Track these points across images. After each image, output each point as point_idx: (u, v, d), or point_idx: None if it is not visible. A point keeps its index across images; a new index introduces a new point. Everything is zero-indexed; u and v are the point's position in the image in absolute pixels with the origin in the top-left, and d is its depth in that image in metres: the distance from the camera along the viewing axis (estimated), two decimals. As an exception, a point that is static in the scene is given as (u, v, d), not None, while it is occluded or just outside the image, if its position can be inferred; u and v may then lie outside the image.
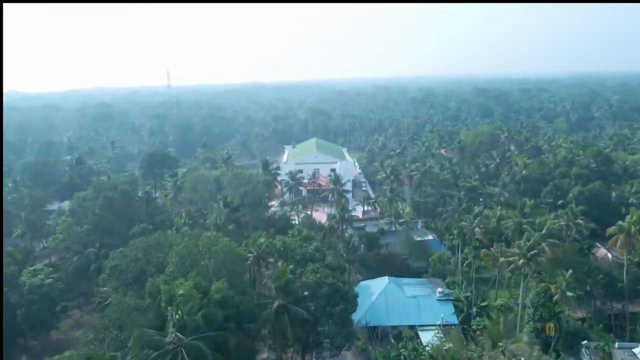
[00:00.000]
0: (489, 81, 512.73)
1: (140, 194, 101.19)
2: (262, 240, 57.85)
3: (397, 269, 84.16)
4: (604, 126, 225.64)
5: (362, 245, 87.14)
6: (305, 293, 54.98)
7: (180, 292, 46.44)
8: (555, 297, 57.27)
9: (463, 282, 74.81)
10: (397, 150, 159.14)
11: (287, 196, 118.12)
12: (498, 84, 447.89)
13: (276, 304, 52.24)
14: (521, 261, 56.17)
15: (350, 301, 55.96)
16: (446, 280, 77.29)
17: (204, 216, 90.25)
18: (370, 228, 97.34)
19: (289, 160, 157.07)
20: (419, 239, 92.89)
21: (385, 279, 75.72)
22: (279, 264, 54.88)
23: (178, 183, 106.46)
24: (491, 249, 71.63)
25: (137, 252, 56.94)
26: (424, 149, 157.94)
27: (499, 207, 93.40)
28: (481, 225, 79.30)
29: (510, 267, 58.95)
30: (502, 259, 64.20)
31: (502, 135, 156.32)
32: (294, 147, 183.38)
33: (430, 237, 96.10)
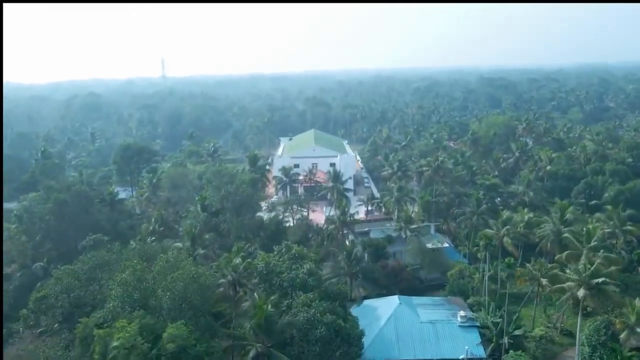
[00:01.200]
0: (492, 72, 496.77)
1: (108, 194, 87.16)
2: (238, 260, 44.05)
3: (408, 283, 71.78)
4: (622, 116, 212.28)
5: (366, 255, 74.07)
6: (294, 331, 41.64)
7: (116, 343, 33.02)
8: (621, 336, 43.60)
9: (490, 303, 61.38)
10: (403, 143, 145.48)
11: (280, 194, 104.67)
12: (502, 74, 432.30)
13: (253, 351, 38.75)
14: (582, 291, 42.23)
15: (355, 343, 42.49)
16: (468, 300, 64.02)
17: (180, 221, 76.83)
18: (376, 233, 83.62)
19: (284, 153, 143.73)
20: (433, 246, 79.36)
21: (395, 299, 62.72)
22: (255, 294, 41.20)
23: (154, 181, 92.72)
24: (527, 265, 57.95)
25: (73, 277, 43.22)
26: (432, 141, 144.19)
27: (526, 209, 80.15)
28: (511, 234, 65.77)
29: (565, 296, 45.17)
30: (544, 282, 50.46)
31: (520, 127, 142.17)
32: (290, 139, 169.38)
33: (446, 245, 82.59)
